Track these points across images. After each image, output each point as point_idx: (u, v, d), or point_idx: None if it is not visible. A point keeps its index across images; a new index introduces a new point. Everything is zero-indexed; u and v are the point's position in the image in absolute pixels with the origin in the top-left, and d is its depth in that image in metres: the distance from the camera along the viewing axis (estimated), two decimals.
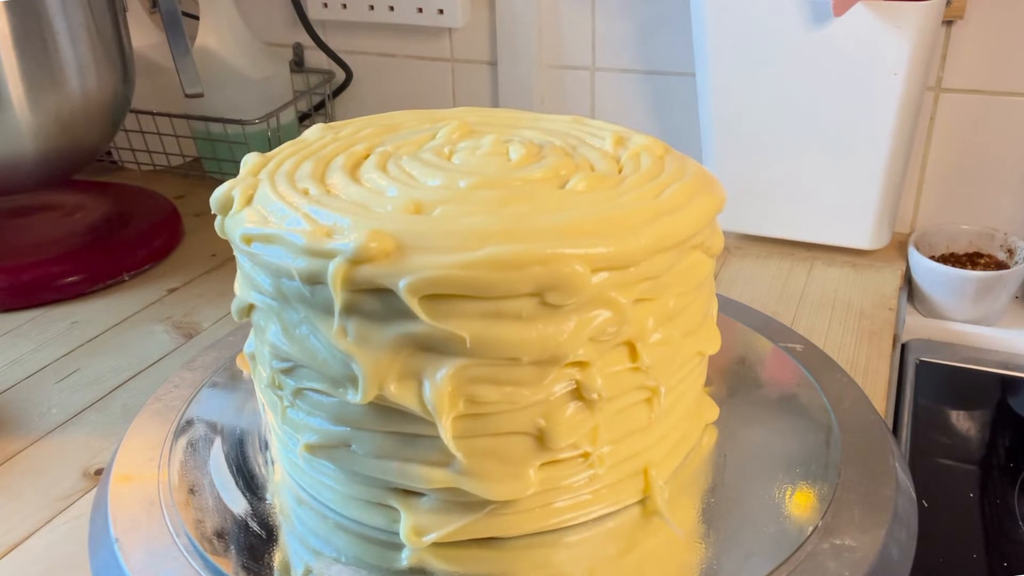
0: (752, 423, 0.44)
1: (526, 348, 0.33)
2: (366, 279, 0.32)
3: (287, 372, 0.37)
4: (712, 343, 0.41)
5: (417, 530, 0.36)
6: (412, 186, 0.37)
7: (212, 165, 0.91)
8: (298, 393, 0.37)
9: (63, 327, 0.65)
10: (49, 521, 0.46)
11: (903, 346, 0.68)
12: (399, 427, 0.35)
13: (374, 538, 0.38)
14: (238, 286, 0.40)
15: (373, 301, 0.33)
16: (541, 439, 0.35)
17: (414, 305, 0.32)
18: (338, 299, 0.33)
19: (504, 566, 0.36)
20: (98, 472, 0.50)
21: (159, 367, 0.60)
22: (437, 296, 0.32)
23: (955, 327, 0.68)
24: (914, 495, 0.41)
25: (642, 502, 0.39)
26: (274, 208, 0.36)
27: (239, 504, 0.40)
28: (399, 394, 0.33)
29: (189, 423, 0.46)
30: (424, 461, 0.35)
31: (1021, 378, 0.64)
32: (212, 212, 0.39)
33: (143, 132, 0.90)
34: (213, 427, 0.45)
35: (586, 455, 0.36)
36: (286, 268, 0.34)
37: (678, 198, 0.36)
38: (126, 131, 0.90)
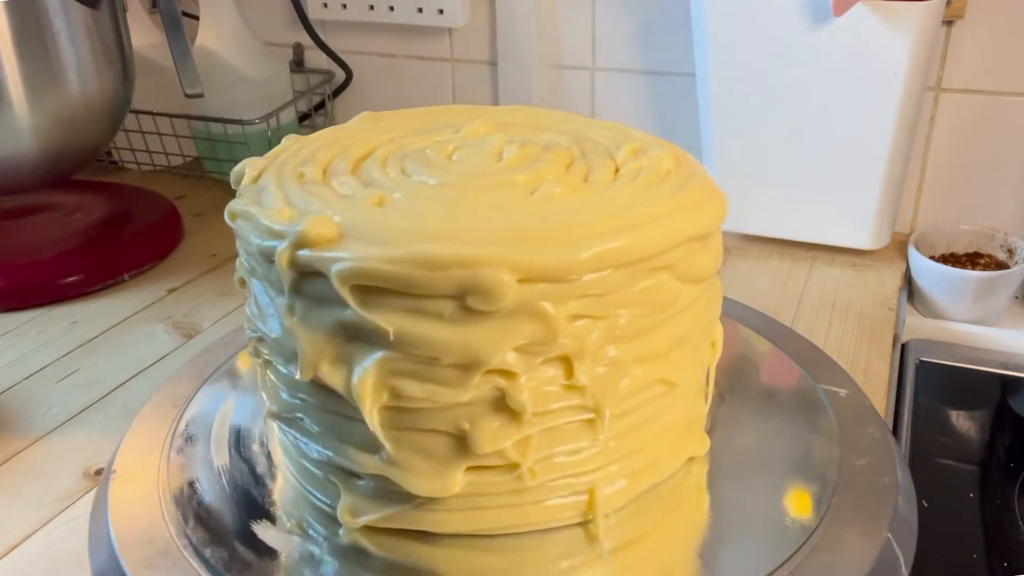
0: (751, 423, 0.44)
1: (445, 349, 0.33)
2: (305, 263, 0.34)
3: (258, 342, 0.39)
4: (683, 374, 0.38)
5: (351, 510, 0.38)
6: (396, 180, 0.38)
7: (212, 165, 0.91)
8: (265, 363, 0.39)
9: (63, 327, 0.65)
10: (49, 521, 0.46)
11: (903, 346, 0.68)
12: (335, 408, 0.36)
13: (323, 511, 0.39)
14: (238, 258, 0.42)
15: (314, 285, 0.34)
16: (465, 442, 0.35)
17: (345, 293, 0.33)
18: (285, 279, 0.34)
19: (432, 562, 0.37)
20: (98, 472, 0.50)
21: (159, 367, 0.60)
22: (368, 287, 0.33)
23: (955, 327, 0.68)
24: (914, 495, 0.41)
25: (583, 524, 0.38)
26: (265, 190, 0.38)
27: (238, 503, 0.40)
28: (330, 377, 0.35)
29: (189, 423, 0.46)
30: (357, 445, 0.36)
31: (1021, 378, 0.64)
32: (232, 185, 0.41)
33: (143, 132, 0.90)
34: (213, 427, 0.46)
35: (514, 466, 0.35)
36: (252, 246, 0.36)
37: (646, 214, 0.34)
38: (126, 131, 0.90)
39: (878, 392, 0.55)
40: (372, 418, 0.34)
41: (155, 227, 0.78)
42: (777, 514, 0.38)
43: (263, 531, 0.38)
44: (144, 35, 0.90)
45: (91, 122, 0.71)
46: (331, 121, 0.97)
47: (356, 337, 0.34)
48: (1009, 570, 0.49)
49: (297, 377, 0.35)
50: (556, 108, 0.86)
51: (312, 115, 0.96)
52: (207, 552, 0.37)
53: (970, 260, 0.71)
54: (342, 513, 0.38)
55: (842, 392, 0.47)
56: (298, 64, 0.96)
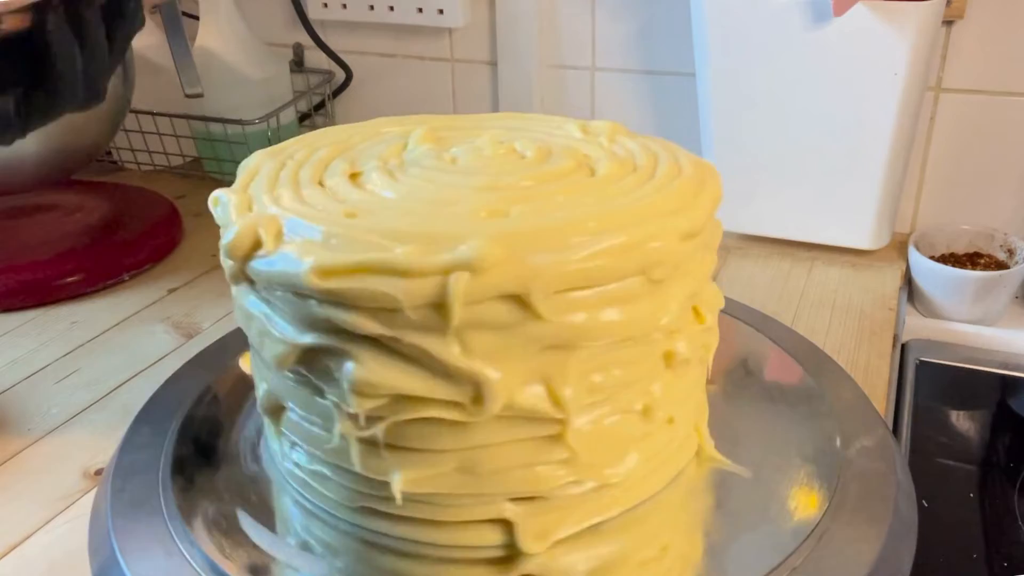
0: (751, 423, 0.44)
1: (639, 325, 0.35)
2: (491, 287, 0.31)
3: (380, 409, 0.34)
4: (719, 299, 0.42)
5: (538, 534, 0.36)
6: (439, 192, 0.36)
7: (212, 165, 0.91)
8: (393, 429, 0.34)
9: (63, 327, 0.65)
10: (49, 521, 0.46)
11: (903, 346, 0.68)
12: (519, 434, 0.34)
13: (481, 558, 0.37)
14: (275, 330, 0.35)
15: (493, 310, 0.32)
16: (646, 413, 0.37)
17: (539, 304, 0.32)
18: (456, 314, 0.31)
19: (617, 546, 0.37)
20: (98, 472, 0.50)
21: (159, 367, 0.60)
22: (554, 293, 0.33)
23: (955, 327, 0.68)
24: (914, 495, 0.41)
25: (696, 454, 0.42)
26: (318, 234, 0.33)
27: (239, 505, 0.40)
28: (528, 400, 0.33)
29: (189, 423, 0.46)
30: (544, 462, 0.35)
31: (1021, 378, 0.64)
32: (228, 258, 0.35)
33: (143, 132, 0.90)
34: (213, 427, 0.46)
35: (672, 419, 0.38)
36: (390, 297, 0.31)
37: (698, 176, 0.39)
38: (126, 131, 0.90)
39: (878, 392, 0.55)
40: (572, 425, 0.34)
41: (155, 227, 0.78)
42: (777, 514, 0.38)
43: (268, 537, 0.38)
44: (144, 35, 0.90)
45: (91, 122, 0.71)
46: (331, 121, 0.97)
47: (549, 347, 0.33)
48: (1009, 570, 0.49)
49: (480, 417, 0.33)
50: (556, 108, 0.87)
51: (312, 115, 0.96)
52: (208, 554, 0.37)
53: (970, 260, 0.71)
54: (529, 543, 0.36)
55: (842, 392, 0.47)
56: (298, 64, 0.96)
